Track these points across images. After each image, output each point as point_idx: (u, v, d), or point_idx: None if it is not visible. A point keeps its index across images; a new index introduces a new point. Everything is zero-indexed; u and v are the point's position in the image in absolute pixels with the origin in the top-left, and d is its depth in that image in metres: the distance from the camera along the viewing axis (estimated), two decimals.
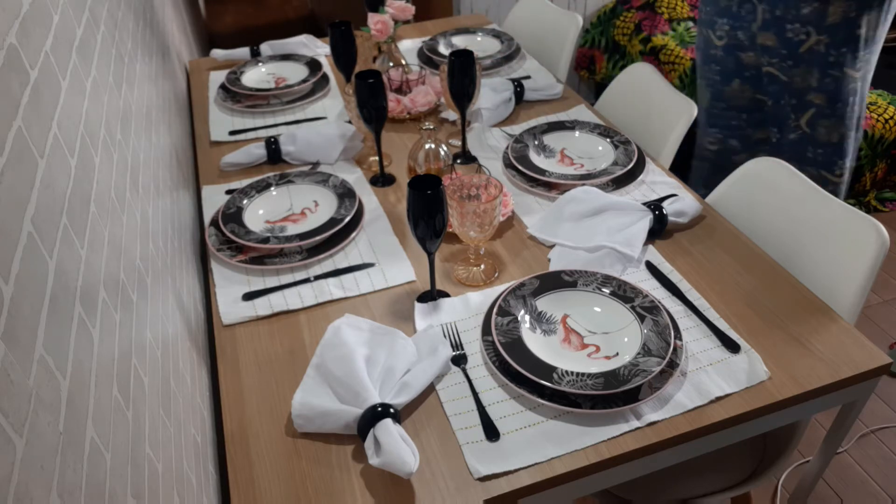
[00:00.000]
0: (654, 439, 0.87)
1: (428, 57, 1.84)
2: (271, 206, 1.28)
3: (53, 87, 0.66)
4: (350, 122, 1.50)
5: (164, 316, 0.88)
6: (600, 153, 1.40)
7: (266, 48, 1.92)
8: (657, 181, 1.33)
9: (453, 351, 0.99)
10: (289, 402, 0.92)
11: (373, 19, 1.60)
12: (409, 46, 1.95)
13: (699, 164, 2.07)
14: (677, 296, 1.07)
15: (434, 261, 1.05)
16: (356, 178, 1.39)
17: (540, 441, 0.86)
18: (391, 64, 1.69)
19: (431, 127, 1.32)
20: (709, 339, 0.99)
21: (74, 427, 0.50)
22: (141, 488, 0.61)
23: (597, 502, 1.22)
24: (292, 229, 1.22)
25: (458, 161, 1.40)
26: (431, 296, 1.08)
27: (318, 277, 1.14)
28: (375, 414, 0.84)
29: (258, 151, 1.43)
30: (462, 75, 1.30)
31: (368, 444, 0.83)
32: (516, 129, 1.53)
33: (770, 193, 1.21)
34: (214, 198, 1.35)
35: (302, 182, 1.33)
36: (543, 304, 1.03)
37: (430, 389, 0.94)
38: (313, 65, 1.79)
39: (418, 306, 1.07)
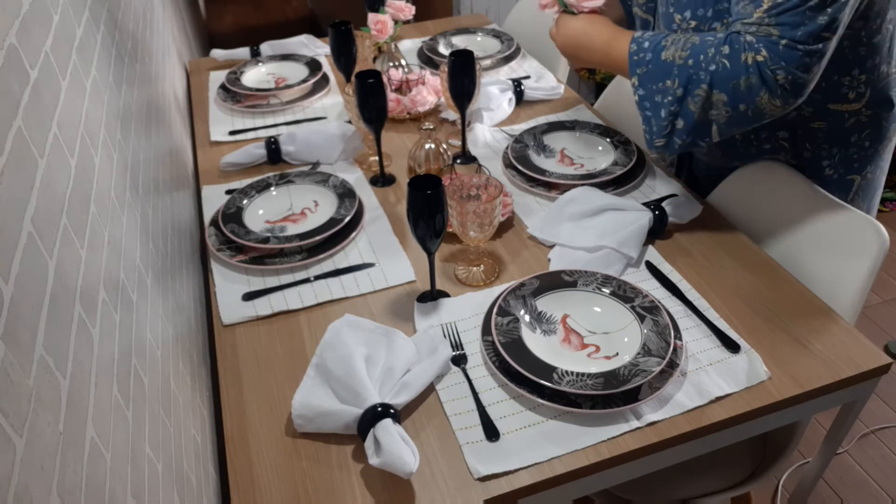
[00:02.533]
0: (654, 439, 0.87)
1: (428, 57, 1.84)
2: (271, 206, 1.28)
3: (53, 87, 0.66)
4: (350, 122, 1.50)
5: (164, 316, 0.88)
6: (600, 153, 1.40)
7: (266, 48, 1.92)
8: (657, 181, 1.33)
9: (453, 351, 0.99)
10: (289, 402, 0.92)
11: (373, 19, 1.60)
12: (409, 46, 1.95)
13: None
14: (677, 296, 1.07)
15: (434, 261, 1.05)
16: (356, 178, 1.39)
17: (540, 441, 0.86)
18: (391, 64, 1.69)
19: (431, 127, 1.32)
20: (709, 339, 0.99)
21: (74, 427, 0.50)
22: (141, 488, 0.61)
23: (597, 502, 1.22)
24: (292, 229, 1.22)
25: (458, 161, 1.40)
26: (431, 296, 1.08)
27: (318, 277, 1.14)
28: (375, 414, 0.84)
29: (258, 151, 1.43)
30: (462, 75, 1.30)
31: (368, 444, 0.83)
32: (516, 129, 1.53)
33: (770, 193, 1.21)
34: (214, 198, 1.35)
35: (302, 182, 1.33)
36: (543, 304, 1.03)
37: (430, 389, 0.94)
38: (313, 65, 1.79)
39: (418, 306, 1.07)
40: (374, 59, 1.71)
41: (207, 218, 1.28)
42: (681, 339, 0.97)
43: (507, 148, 1.42)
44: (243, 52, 1.91)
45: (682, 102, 1.04)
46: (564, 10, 1.22)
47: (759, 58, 0.97)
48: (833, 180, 1.18)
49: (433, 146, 1.34)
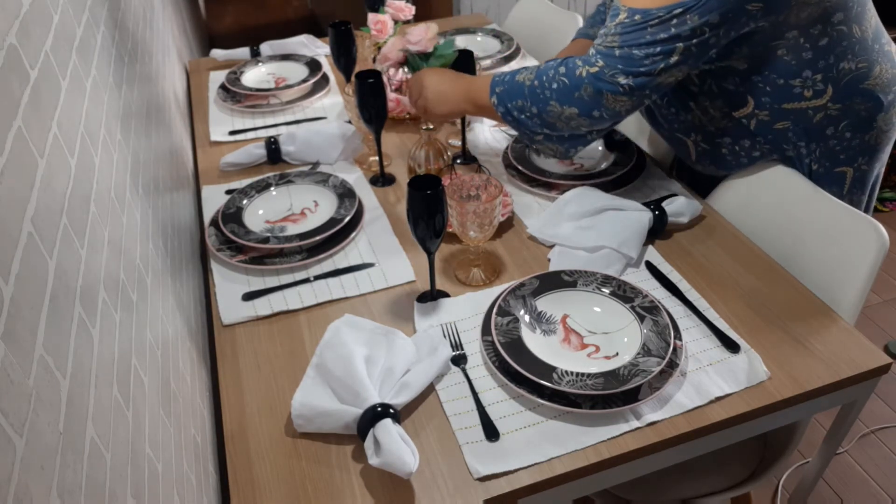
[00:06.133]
0: (654, 439, 0.87)
1: None
2: (271, 206, 1.28)
3: (53, 87, 0.66)
4: (350, 122, 1.50)
5: (164, 316, 0.88)
6: (600, 153, 1.40)
7: (266, 48, 1.92)
8: (657, 181, 1.33)
9: (453, 351, 0.99)
10: (289, 402, 0.92)
11: (373, 19, 1.60)
12: None
13: None
14: (677, 296, 1.07)
15: (434, 261, 1.05)
16: (356, 178, 1.39)
17: (540, 441, 0.86)
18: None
19: (431, 127, 1.32)
20: (708, 339, 0.99)
21: (74, 427, 0.50)
22: (141, 488, 0.61)
23: (597, 502, 1.22)
24: (292, 229, 1.22)
25: (458, 161, 1.40)
26: (431, 296, 1.08)
27: (318, 277, 1.14)
28: (375, 414, 0.84)
29: (258, 151, 1.43)
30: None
31: (368, 444, 0.83)
32: None
33: (770, 193, 1.21)
34: (214, 198, 1.35)
35: (302, 182, 1.33)
36: (543, 304, 1.03)
37: (430, 389, 0.94)
38: (313, 65, 1.79)
39: (418, 306, 1.07)
40: (374, 59, 1.71)
41: (207, 218, 1.28)
42: (681, 339, 0.97)
43: (507, 148, 1.42)
44: (243, 52, 1.91)
45: (541, 116, 1.14)
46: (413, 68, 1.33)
47: (593, 69, 1.07)
48: (821, 174, 1.19)
49: (433, 146, 1.34)
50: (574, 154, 1.23)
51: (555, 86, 1.10)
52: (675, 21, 1.00)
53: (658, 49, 1.03)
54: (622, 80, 1.05)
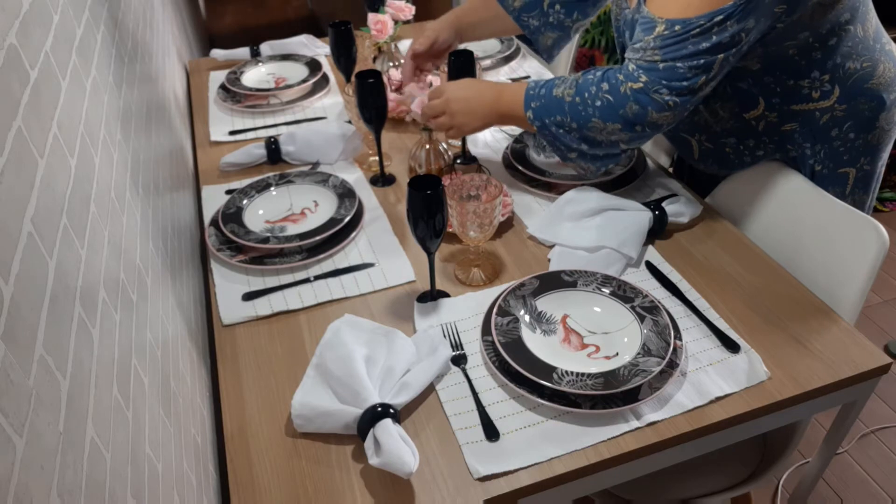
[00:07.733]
0: (654, 439, 0.87)
1: None
2: (271, 206, 1.28)
3: (53, 87, 0.66)
4: (350, 122, 1.50)
5: (164, 316, 0.88)
6: None
7: (266, 48, 1.92)
8: (657, 181, 1.33)
9: (453, 351, 0.99)
10: (289, 402, 0.92)
11: (373, 19, 1.60)
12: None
13: None
14: (677, 296, 1.07)
15: (434, 261, 1.05)
16: (356, 178, 1.39)
17: (540, 441, 0.86)
18: (391, 64, 1.69)
19: (432, 127, 1.32)
20: (709, 339, 0.99)
21: (74, 427, 0.50)
22: (141, 488, 0.61)
23: (597, 502, 1.22)
24: (292, 229, 1.22)
25: (458, 161, 1.40)
26: (431, 296, 1.08)
27: (317, 277, 1.14)
28: (375, 414, 0.84)
29: (258, 151, 1.43)
30: (462, 75, 1.30)
31: (368, 444, 0.83)
32: (516, 129, 1.53)
33: (770, 193, 1.21)
34: (214, 198, 1.35)
35: (302, 182, 1.33)
36: (543, 304, 1.03)
37: (430, 389, 0.94)
38: (313, 65, 1.79)
39: (418, 306, 1.07)
40: (374, 59, 1.71)
41: (207, 218, 1.28)
42: (681, 339, 0.97)
43: (507, 148, 1.42)
44: (243, 52, 1.91)
45: (581, 132, 1.13)
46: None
47: (637, 85, 1.05)
48: (824, 175, 1.19)
49: (433, 146, 1.34)
50: (603, 171, 1.22)
51: (598, 103, 1.09)
52: (716, 29, 0.99)
53: (701, 62, 1.01)
54: (666, 96, 1.04)
